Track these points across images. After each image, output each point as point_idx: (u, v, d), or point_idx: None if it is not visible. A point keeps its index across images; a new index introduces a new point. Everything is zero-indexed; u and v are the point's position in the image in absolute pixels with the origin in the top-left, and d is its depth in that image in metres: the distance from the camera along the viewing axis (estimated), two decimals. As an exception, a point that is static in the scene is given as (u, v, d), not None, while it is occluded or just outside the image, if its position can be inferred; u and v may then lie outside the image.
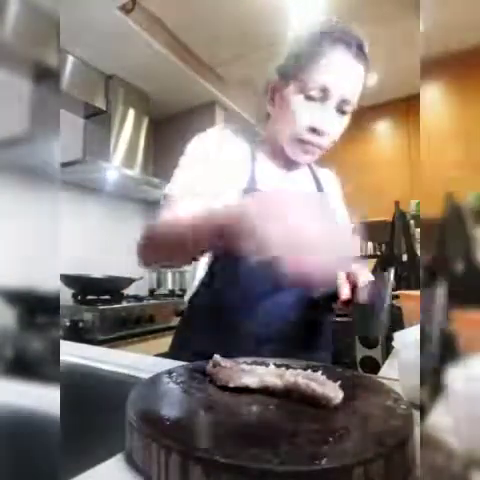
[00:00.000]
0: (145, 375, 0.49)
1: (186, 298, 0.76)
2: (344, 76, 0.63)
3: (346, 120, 0.68)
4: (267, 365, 0.42)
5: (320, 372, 0.38)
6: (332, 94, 0.63)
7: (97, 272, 1.85)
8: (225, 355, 0.44)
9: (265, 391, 0.37)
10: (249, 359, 0.47)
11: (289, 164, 0.75)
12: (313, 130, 0.65)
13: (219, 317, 0.69)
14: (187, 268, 0.76)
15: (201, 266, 0.72)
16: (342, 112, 0.65)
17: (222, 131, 0.74)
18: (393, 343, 0.48)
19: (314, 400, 0.34)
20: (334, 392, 0.34)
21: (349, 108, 0.66)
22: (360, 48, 0.64)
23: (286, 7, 1.75)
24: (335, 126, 0.66)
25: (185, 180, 0.66)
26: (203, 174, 0.66)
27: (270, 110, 0.72)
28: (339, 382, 0.36)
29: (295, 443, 0.27)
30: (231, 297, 0.68)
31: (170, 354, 0.75)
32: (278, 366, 0.42)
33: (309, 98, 0.63)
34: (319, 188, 0.81)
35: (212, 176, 0.66)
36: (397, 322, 0.75)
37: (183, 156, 0.69)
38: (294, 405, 0.35)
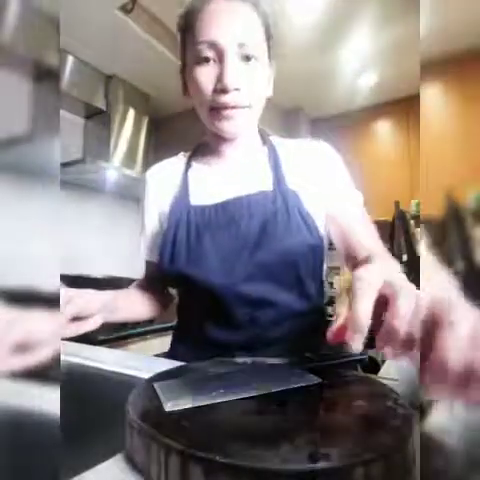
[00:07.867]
0: (145, 375, 0.49)
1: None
2: (229, 22, 0.56)
3: (259, 66, 0.59)
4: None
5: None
6: (223, 46, 0.56)
7: (97, 272, 1.85)
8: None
9: None
10: (249, 359, 0.48)
11: (225, 157, 0.68)
12: (219, 90, 0.57)
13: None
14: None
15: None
16: (246, 58, 0.57)
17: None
18: (393, 343, 0.48)
19: None
20: None
21: (253, 51, 0.57)
22: None
23: (285, 7, 1.75)
24: (243, 75, 0.57)
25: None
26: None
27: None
28: None
29: (295, 443, 0.27)
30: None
31: (168, 352, 0.77)
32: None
33: (205, 60, 0.57)
34: (277, 174, 0.65)
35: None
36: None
37: None
38: (295, 405, 0.35)
